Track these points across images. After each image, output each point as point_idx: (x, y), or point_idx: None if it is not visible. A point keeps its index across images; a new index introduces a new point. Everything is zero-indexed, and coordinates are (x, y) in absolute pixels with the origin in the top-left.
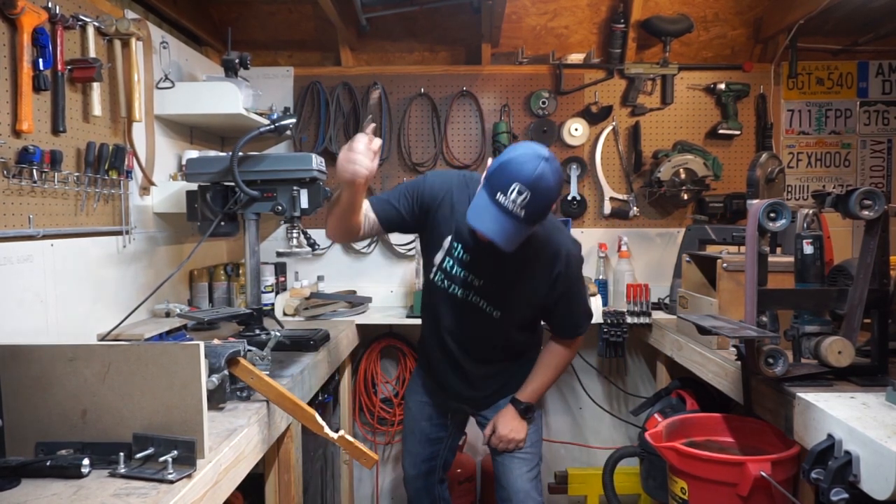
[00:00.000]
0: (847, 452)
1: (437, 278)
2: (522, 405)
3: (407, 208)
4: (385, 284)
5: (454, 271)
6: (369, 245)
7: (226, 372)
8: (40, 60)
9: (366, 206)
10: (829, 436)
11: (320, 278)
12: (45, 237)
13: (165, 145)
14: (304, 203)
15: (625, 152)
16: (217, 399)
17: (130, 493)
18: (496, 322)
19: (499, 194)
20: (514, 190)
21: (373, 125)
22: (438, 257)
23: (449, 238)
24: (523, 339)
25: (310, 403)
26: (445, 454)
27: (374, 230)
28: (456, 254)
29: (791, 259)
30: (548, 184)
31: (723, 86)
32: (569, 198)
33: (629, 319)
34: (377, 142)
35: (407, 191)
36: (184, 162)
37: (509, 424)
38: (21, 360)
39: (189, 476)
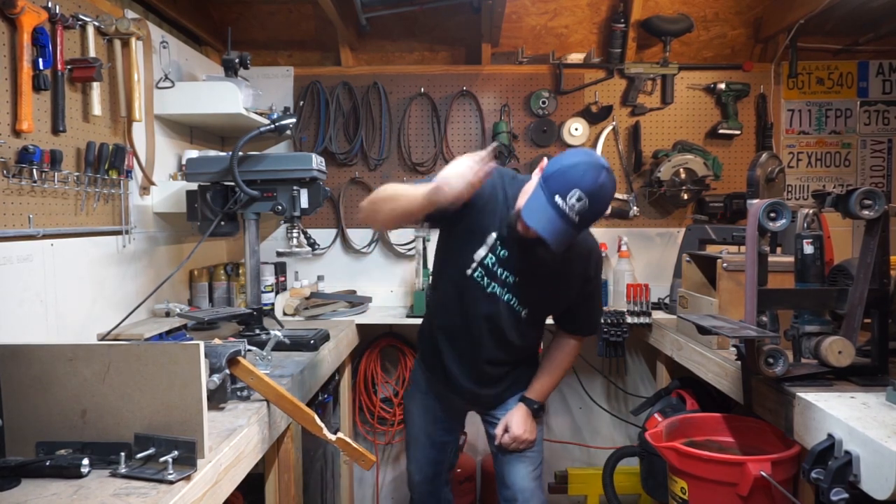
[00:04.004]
0: (847, 452)
1: (476, 274)
2: (535, 404)
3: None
4: (385, 284)
5: (494, 268)
6: (369, 245)
7: (227, 372)
8: (40, 60)
9: (426, 186)
10: (830, 436)
11: (320, 278)
12: (45, 237)
13: (165, 145)
14: (304, 203)
15: (625, 152)
16: (218, 399)
17: (130, 493)
18: (521, 320)
19: (557, 197)
20: (574, 196)
21: (494, 144)
22: (480, 253)
23: (494, 234)
24: (535, 336)
25: (310, 403)
26: (451, 457)
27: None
28: (497, 251)
29: (791, 259)
30: (605, 194)
31: (723, 85)
32: None
33: (629, 319)
34: (486, 169)
35: None
36: (184, 162)
37: (523, 425)
38: (21, 359)
39: (189, 476)
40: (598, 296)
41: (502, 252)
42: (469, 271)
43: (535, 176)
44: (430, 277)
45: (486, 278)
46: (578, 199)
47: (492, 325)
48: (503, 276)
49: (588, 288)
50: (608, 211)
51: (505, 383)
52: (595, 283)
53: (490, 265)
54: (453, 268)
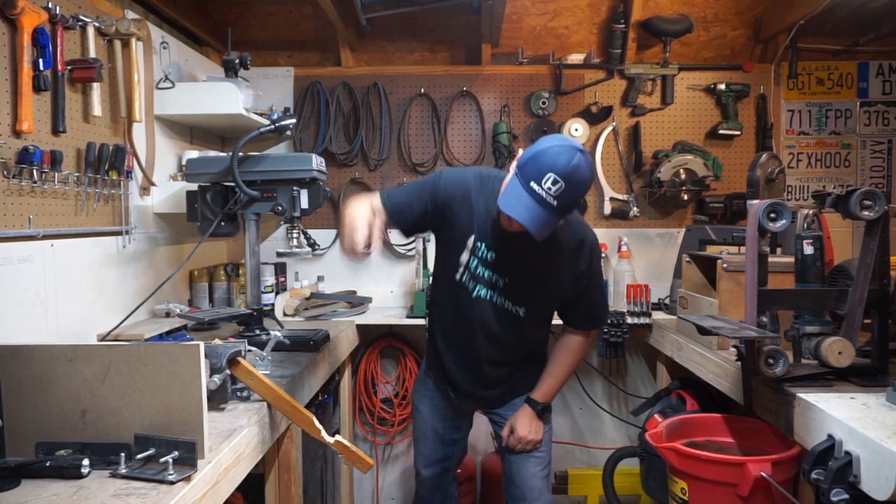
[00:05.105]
0: (847, 453)
1: (464, 279)
2: (539, 405)
3: (420, 209)
4: (385, 285)
5: (478, 272)
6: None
7: (227, 372)
8: (40, 61)
9: (377, 203)
10: (830, 436)
11: (320, 278)
12: (45, 237)
13: (165, 145)
14: (304, 203)
15: (625, 152)
16: (218, 399)
17: (130, 494)
18: (520, 320)
19: (533, 183)
20: (548, 179)
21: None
22: (464, 257)
23: (473, 237)
24: (540, 335)
25: (310, 404)
26: (458, 454)
27: (388, 233)
28: (480, 254)
29: (791, 259)
30: (582, 174)
31: (723, 86)
32: None
33: (629, 320)
34: (374, 247)
35: (421, 191)
36: (184, 162)
37: (527, 426)
38: (21, 360)
39: (189, 477)
40: (598, 287)
41: (489, 255)
42: (457, 276)
43: (512, 167)
44: (430, 279)
45: (472, 281)
46: (554, 183)
47: (486, 328)
48: (492, 279)
49: (584, 280)
50: (587, 192)
51: (509, 383)
52: (591, 274)
53: (475, 268)
54: (444, 274)
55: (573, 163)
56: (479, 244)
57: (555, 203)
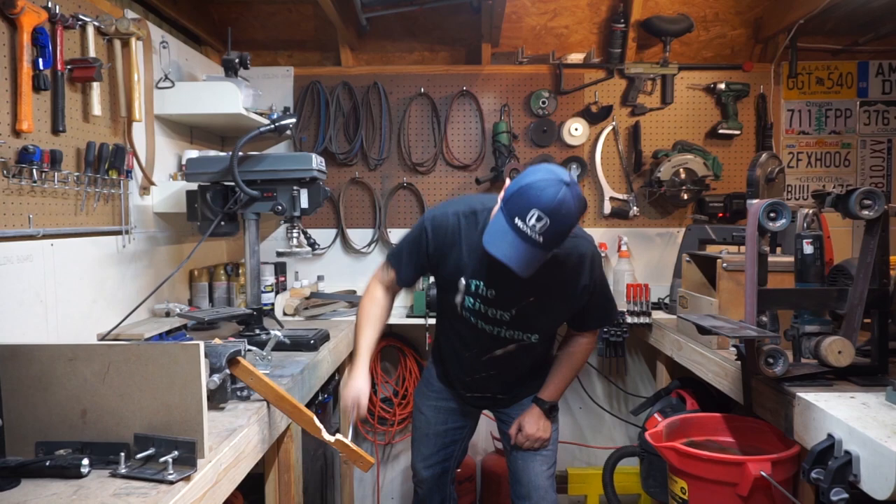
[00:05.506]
0: (847, 452)
1: (465, 314)
2: (547, 405)
3: (419, 266)
4: None
5: (482, 309)
6: (369, 245)
7: (227, 372)
8: (40, 60)
9: (390, 278)
10: (829, 436)
11: (320, 278)
12: (45, 237)
13: (165, 145)
14: (304, 203)
15: (625, 152)
16: (218, 399)
17: (130, 493)
18: (532, 346)
19: (517, 219)
20: (532, 216)
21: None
22: (458, 299)
23: (463, 280)
24: (547, 346)
25: (310, 403)
26: (458, 455)
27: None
28: (480, 291)
29: (791, 259)
30: (569, 210)
31: (723, 86)
32: None
33: (629, 319)
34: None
35: (417, 250)
36: (184, 162)
37: (535, 424)
38: (21, 359)
39: (189, 477)
40: (604, 292)
41: (489, 292)
42: (458, 311)
43: (499, 200)
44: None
45: (477, 319)
46: (538, 219)
47: (494, 357)
48: (497, 315)
49: (589, 291)
50: (577, 223)
51: (516, 388)
52: (595, 285)
53: (475, 308)
54: (447, 306)
55: (558, 198)
56: (475, 283)
57: (540, 240)
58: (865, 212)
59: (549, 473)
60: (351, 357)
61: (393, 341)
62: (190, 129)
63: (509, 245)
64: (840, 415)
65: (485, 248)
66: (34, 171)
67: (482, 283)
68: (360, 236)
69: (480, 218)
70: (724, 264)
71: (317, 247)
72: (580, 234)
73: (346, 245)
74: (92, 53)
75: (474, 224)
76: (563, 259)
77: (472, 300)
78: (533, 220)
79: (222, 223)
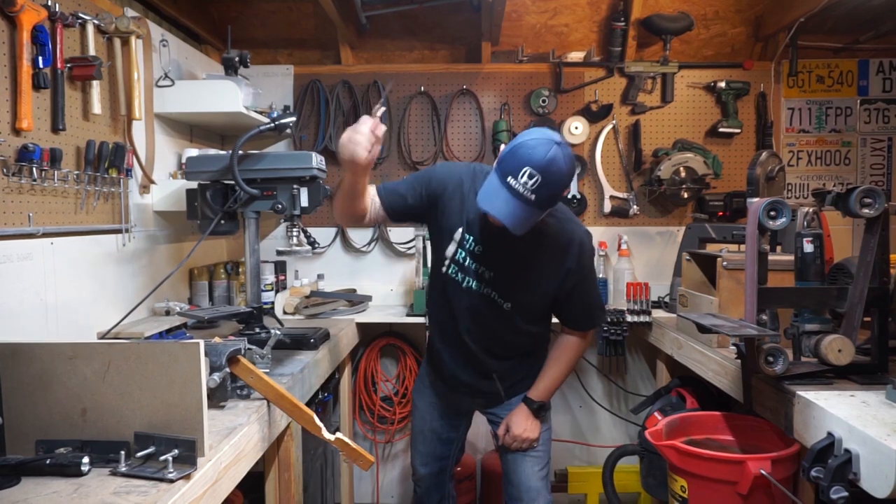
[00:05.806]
0: (847, 450)
1: (450, 271)
2: (535, 404)
3: (414, 197)
4: (385, 283)
5: (467, 263)
6: (369, 243)
7: (227, 370)
8: (40, 58)
9: (372, 192)
10: (829, 434)
11: (320, 277)
12: (44, 235)
13: (165, 143)
14: (304, 201)
15: (625, 151)
16: (218, 397)
17: (130, 492)
18: (507, 314)
19: (510, 178)
20: (524, 173)
21: (382, 109)
22: (450, 249)
23: (460, 230)
24: (535, 331)
25: (310, 402)
26: (456, 453)
27: (380, 217)
28: (468, 245)
29: (791, 257)
30: (559, 168)
31: (723, 84)
32: (569, 196)
33: (629, 318)
34: (382, 128)
35: (415, 180)
36: (184, 160)
37: (523, 424)
38: (21, 358)
39: (189, 475)
40: (591, 286)
41: (476, 248)
42: (444, 269)
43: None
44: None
45: (460, 273)
46: (530, 177)
47: (476, 318)
48: (479, 271)
49: (573, 278)
50: (568, 186)
51: (507, 381)
52: (581, 274)
53: (462, 260)
54: (435, 266)
55: (549, 156)
56: (467, 237)
57: (532, 197)
58: (866, 210)
59: (541, 474)
60: (353, 354)
61: (393, 340)
62: (190, 128)
63: (503, 202)
64: (840, 413)
65: (479, 207)
66: (34, 169)
67: (472, 238)
68: (360, 235)
69: (484, 178)
70: (724, 263)
71: (317, 245)
72: (577, 223)
73: (347, 244)
74: (92, 52)
75: (478, 181)
76: (552, 236)
77: (462, 253)
78: (525, 178)
79: (222, 222)
